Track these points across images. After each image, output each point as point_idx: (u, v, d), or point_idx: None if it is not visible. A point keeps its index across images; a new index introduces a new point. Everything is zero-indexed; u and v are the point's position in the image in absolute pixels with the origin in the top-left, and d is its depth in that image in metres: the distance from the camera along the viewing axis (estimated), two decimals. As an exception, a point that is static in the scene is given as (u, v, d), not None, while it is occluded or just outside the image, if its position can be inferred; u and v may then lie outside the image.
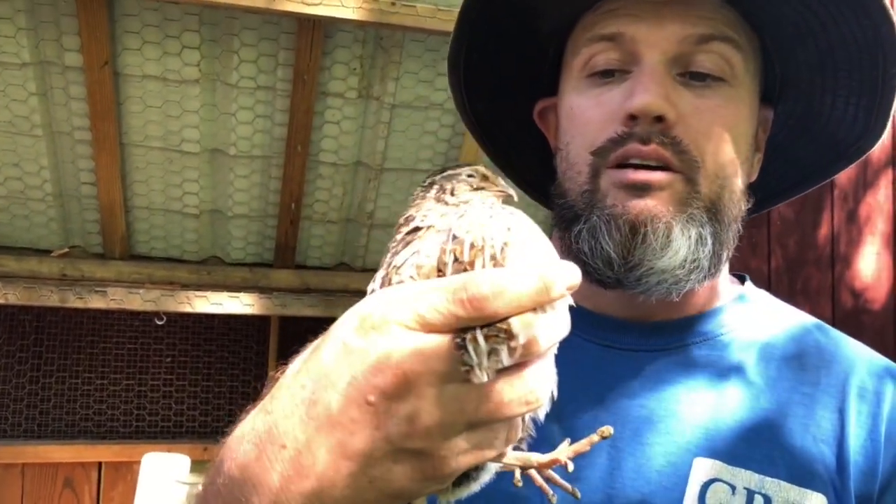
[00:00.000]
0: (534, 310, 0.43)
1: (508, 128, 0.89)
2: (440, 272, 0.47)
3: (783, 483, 0.69)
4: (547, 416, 0.71)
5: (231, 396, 3.35)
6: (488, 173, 0.57)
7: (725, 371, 0.76)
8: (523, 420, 0.50)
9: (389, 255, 0.52)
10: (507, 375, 0.43)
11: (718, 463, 0.71)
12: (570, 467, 0.54)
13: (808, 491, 0.69)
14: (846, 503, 0.69)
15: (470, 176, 0.55)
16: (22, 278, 2.61)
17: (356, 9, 2.18)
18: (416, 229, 0.52)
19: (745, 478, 0.70)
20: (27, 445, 2.97)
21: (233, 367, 3.37)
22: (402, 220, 0.54)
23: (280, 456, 0.45)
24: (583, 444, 0.54)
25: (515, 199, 0.56)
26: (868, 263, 2.98)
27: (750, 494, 0.69)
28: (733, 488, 0.69)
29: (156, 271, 2.76)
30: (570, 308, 0.73)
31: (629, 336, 0.78)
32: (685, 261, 0.70)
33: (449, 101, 2.49)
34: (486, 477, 0.51)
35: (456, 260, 0.46)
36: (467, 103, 0.87)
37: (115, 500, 3.01)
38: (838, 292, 2.90)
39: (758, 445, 0.71)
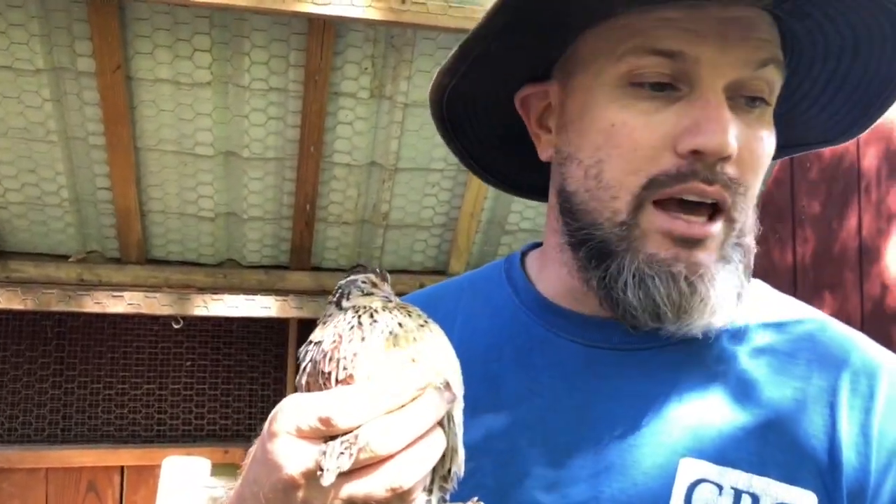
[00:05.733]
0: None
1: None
2: (310, 385, 0.59)
3: (772, 482, 0.68)
4: (527, 424, 0.71)
5: (251, 399, 3.36)
6: (377, 280, 0.65)
7: (714, 368, 0.74)
8: (437, 475, 0.59)
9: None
10: (353, 475, 0.53)
11: (706, 463, 0.69)
12: None
13: (798, 489, 0.67)
14: (837, 501, 0.67)
15: (363, 283, 0.64)
16: (40, 284, 2.63)
17: (367, 7, 2.16)
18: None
19: (733, 477, 0.68)
20: (51, 450, 3.00)
21: (252, 370, 3.38)
22: (318, 323, 0.63)
23: None
24: None
25: (393, 301, 0.63)
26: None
27: (738, 494, 0.68)
28: (720, 488, 0.68)
29: (172, 275, 2.76)
30: (557, 311, 0.78)
31: (616, 335, 0.75)
32: (733, 297, 0.70)
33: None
34: None
35: (320, 373, 0.58)
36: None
37: (138, 503, 3.03)
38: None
39: (746, 444, 0.70)
